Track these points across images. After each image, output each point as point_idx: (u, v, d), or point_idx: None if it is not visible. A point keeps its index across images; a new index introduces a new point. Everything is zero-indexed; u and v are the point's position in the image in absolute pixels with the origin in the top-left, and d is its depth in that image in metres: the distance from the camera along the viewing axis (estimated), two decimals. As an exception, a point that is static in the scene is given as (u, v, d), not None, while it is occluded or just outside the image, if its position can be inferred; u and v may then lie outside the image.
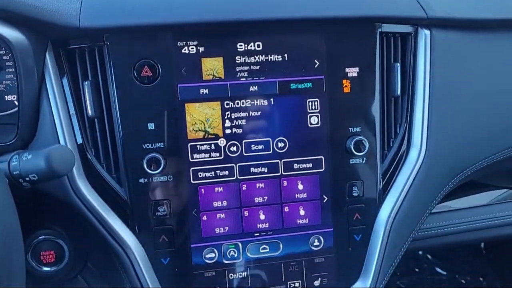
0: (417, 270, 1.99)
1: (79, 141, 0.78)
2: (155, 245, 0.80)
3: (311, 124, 0.83)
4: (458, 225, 1.02)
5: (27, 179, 0.61)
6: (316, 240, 0.85)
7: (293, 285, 0.85)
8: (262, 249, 0.84)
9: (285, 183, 0.83)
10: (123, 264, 0.80)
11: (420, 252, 2.01)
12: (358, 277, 0.86)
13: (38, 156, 0.60)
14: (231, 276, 0.83)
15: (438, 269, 2.00)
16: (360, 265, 0.86)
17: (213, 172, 0.81)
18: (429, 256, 2.01)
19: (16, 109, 0.76)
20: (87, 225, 0.80)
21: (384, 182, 0.87)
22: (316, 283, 0.86)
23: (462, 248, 2.01)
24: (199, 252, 0.82)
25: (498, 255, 1.95)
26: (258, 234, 0.84)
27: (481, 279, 1.98)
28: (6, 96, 0.77)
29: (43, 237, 0.87)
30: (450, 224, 1.01)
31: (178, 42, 0.78)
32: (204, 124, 0.80)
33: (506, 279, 1.90)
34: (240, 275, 0.84)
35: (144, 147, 0.78)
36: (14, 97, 0.77)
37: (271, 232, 0.84)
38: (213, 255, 0.83)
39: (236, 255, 0.83)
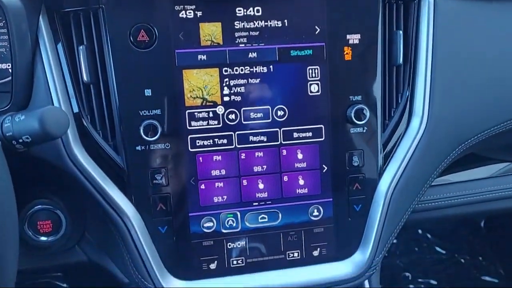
0: (416, 249, 1.99)
1: (75, 107, 0.77)
2: (153, 214, 0.79)
3: (311, 92, 0.81)
4: (458, 197, 1.01)
5: (21, 141, 0.60)
6: (315, 210, 0.84)
7: (291, 255, 0.85)
8: (261, 218, 0.83)
9: (285, 152, 0.82)
10: (120, 232, 0.79)
11: (420, 231, 2.01)
12: (358, 248, 0.86)
13: (31, 117, 0.59)
14: (229, 245, 0.83)
15: (438, 249, 2.00)
16: (359, 235, 0.86)
17: (211, 140, 0.80)
18: (429, 236, 2.01)
19: (10, 77, 0.74)
20: (84, 194, 0.79)
21: (384, 152, 0.86)
22: (315, 253, 0.85)
23: (462, 228, 2.01)
24: (197, 221, 0.81)
25: (498, 235, 1.95)
26: (256, 203, 0.83)
27: (480, 258, 1.98)
28: (0, 65, 0.76)
29: (40, 206, 0.86)
30: (450, 197, 1.00)
31: (176, 6, 0.76)
32: (202, 91, 0.78)
33: (506, 259, 1.90)
34: (239, 244, 0.83)
35: (141, 114, 0.76)
36: (8, 66, 0.75)
37: (270, 202, 0.83)
38: (211, 224, 0.82)
39: (234, 224, 0.83)
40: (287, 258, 0.85)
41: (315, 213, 0.85)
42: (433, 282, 1.89)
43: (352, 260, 0.85)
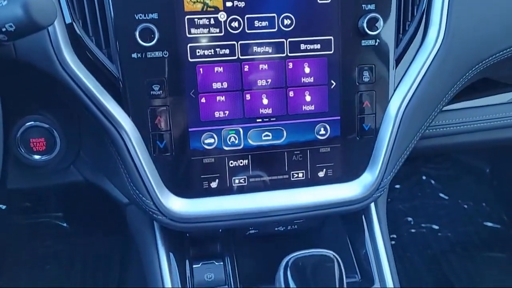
0: (419, 194, 1.97)
1: (65, 11, 0.71)
2: (151, 127, 0.75)
3: (320, -1, 0.75)
4: (469, 123, 0.96)
5: (4, 29, 0.55)
6: (322, 129, 0.80)
7: (296, 175, 0.81)
8: (265, 136, 0.79)
9: (291, 65, 0.77)
10: (117, 148, 0.75)
11: (424, 177, 1.98)
12: (365, 168, 0.82)
13: (15, 2, 0.54)
14: (231, 163, 0.79)
15: (441, 195, 1.98)
16: (367, 156, 0.82)
17: (212, 50, 0.74)
18: (433, 182, 1.98)
19: None
20: (78, 108, 0.75)
21: (397, 68, 0.80)
22: (321, 174, 0.82)
23: (466, 174, 1.99)
24: (197, 136, 0.77)
25: (503, 181, 1.92)
26: (260, 120, 0.78)
27: (483, 204, 1.97)
28: None
29: (32, 123, 0.83)
30: (461, 122, 0.95)
31: None
32: (203, -5, 0.72)
33: (510, 205, 1.89)
34: (241, 163, 0.79)
35: (137, 18, 0.71)
36: None
37: (274, 119, 0.79)
38: (212, 140, 0.78)
39: (236, 141, 0.78)
40: (291, 179, 0.81)
41: (322, 131, 0.80)
42: (435, 227, 1.88)
43: (359, 181, 0.82)
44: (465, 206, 1.94)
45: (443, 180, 1.97)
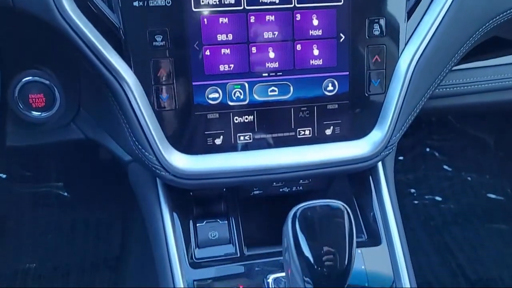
0: (423, 166, 1.96)
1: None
2: (153, 80, 0.72)
3: None
4: (480, 83, 0.93)
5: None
6: (330, 84, 0.78)
7: (302, 132, 0.79)
8: (271, 91, 0.77)
9: (298, 17, 0.74)
10: (118, 101, 0.73)
11: (428, 149, 1.96)
12: (374, 126, 0.80)
13: None
14: (236, 119, 0.77)
15: (445, 166, 1.96)
16: (376, 113, 0.79)
17: (217, 0, 0.71)
18: (437, 154, 1.97)
19: None
20: (78, 62, 0.72)
21: (409, 21, 0.77)
22: (328, 131, 0.79)
23: (470, 146, 1.97)
24: (201, 91, 0.75)
25: (508, 153, 1.91)
26: (266, 74, 0.76)
27: (487, 176, 1.95)
28: None
29: (30, 77, 0.80)
30: (471, 82, 0.93)
31: None
32: None
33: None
34: (246, 119, 0.77)
35: (138, -37, 0.68)
36: None
37: (281, 73, 0.76)
38: (216, 95, 0.75)
39: (242, 96, 0.76)
40: (298, 136, 0.79)
41: (330, 87, 0.78)
42: (438, 198, 1.87)
43: (368, 138, 0.79)
44: (469, 178, 1.93)
45: (447, 151, 1.95)
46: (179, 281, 0.75)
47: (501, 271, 1.59)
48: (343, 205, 0.58)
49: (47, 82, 0.81)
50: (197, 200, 0.84)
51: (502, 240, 1.69)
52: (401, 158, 1.90)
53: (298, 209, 0.57)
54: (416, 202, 1.85)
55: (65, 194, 1.71)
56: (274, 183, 0.88)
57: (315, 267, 0.55)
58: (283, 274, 0.73)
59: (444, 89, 0.92)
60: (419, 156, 1.95)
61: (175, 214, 0.80)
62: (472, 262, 1.63)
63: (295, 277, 0.59)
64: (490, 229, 1.75)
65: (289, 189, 0.90)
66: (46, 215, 1.65)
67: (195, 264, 0.77)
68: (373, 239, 0.83)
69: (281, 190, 0.90)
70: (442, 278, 1.58)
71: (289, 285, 0.64)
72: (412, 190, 1.89)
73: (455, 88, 0.92)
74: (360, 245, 0.78)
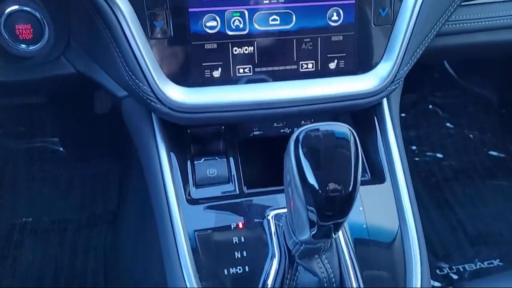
0: (425, 123, 1.93)
1: None
2: (146, 5, 0.68)
3: None
4: (489, 19, 0.88)
5: None
6: (334, 14, 0.73)
7: (305, 66, 0.75)
8: (272, 20, 0.72)
9: None
10: (110, 29, 0.69)
11: (430, 106, 1.93)
12: (381, 59, 0.76)
13: None
14: (235, 50, 0.72)
15: (448, 124, 1.93)
16: (383, 45, 0.75)
17: None
18: (439, 111, 1.93)
19: None
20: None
21: None
22: (332, 65, 0.75)
23: (473, 104, 1.93)
24: (198, 18, 0.70)
25: (510, 111, 1.87)
26: (267, 1, 0.71)
27: (489, 134, 1.93)
28: None
29: (17, 6, 0.75)
30: (480, 18, 0.88)
31: None
32: None
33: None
34: (246, 50, 0.73)
35: None
36: None
37: (283, 1, 0.71)
38: (214, 23, 0.71)
39: (241, 25, 0.72)
40: (300, 69, 0.75)
41: (334, 17, 0.73)
42: (439, 155, 1.85)
43: (374, 72, 0.76)
44: (471, 136, 1.90)
45: (450, 109, 1.92)
46: (177, 218, 0.72)
47: (501, 226, 1.58)
48: (349, 128, 0.54)
49: (35, 12, 0.76)
50: (194, 139, 0.81)
51: (502, 196, 1.68)
52: (403, 115, 1.87)
53: (300, 132, 0.54)
54: (417, 159, 1.83)
55: (61, 149, 1.68)
56: (275, 123, 0.85)
57: (320, 192, 0.52)
58: (284, 210, 0.71)
59: (452, 26, 0.87)
60: (421, 113, 1.92)
61: (171, 151, 0.77)
62: (472, 218, 1.62)
63: (298, 206, 0.56)
64: (490, 186, 1.73)
65: (290, 130, 0.87)
66: (42, 170, 1.63)
67: (193, 200, 0.74)
68: (377, 178, 0.80)
69: (282, 131, 0.86)
70: (442, 233, 1.57)
71: (291, 218, 0.61)
72: (413, 147, 1.86)
73: (463, 24, 0.87)
74: (364, 183, 0.75)
